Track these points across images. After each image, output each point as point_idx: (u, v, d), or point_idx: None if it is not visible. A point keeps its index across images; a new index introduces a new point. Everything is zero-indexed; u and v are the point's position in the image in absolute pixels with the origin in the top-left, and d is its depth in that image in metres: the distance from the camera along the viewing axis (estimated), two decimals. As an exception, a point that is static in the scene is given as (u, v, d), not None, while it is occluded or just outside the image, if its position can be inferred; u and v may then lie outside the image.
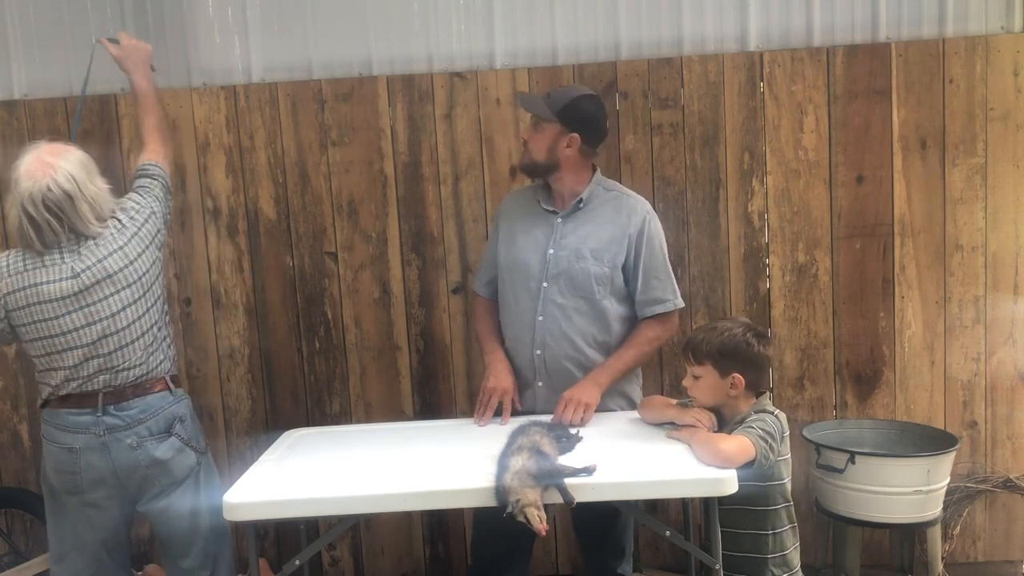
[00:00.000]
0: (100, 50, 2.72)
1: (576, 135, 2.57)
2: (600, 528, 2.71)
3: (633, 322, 2.68)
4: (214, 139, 3.35)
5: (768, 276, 3.34)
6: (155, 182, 2.54)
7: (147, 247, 2.40)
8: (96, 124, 3.33)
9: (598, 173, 2.71)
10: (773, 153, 3.29)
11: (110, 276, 2.31)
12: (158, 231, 2.47)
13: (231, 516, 2.05)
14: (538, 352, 2.61)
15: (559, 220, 2.65)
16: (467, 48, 3.34)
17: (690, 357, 2.33)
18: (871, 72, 3.25)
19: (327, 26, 3.35)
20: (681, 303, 2.70)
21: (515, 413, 2.63)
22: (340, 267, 3.38)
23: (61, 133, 3.30)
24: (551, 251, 2.61)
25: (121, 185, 3.31)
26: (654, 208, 3.24)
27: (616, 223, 2.62)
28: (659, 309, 2.64)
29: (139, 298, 2.36)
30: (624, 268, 2.62)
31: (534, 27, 3.33)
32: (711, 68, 3.27)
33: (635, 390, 2.76)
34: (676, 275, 3.28)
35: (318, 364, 3.42)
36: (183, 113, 3.34)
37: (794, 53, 3.26)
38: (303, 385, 3.43)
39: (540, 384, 2.63)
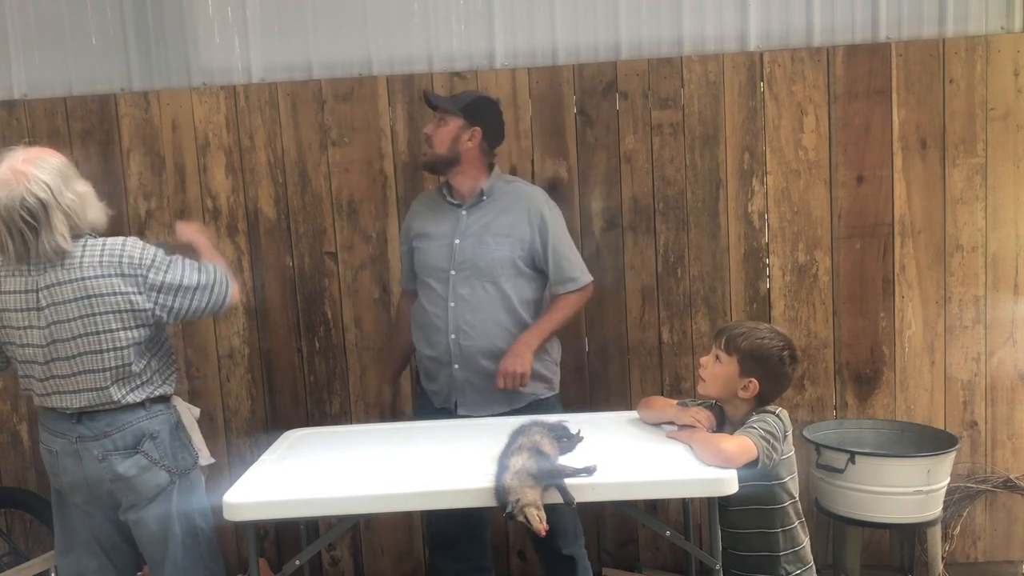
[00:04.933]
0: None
1: (478, 129, 2.74)
2: None
3: (538, 305, 2.81)
4: (214, 139, 3.34)
5: (768, 276, 3.34)
6: (196, 265, 2.34)
7: (120, 292, 2.23)
8: (96, 124, 3.33)
9: (497, 169, 2.85)
10: (773, 153, 3.29)
11: (65, 303, 2.21)
12: (122, 311, 2.23)
13: (231, 516, 2.04)
14: (452, 336, 2.74)
15: (464, 212, 2.79)
16: (467, 48, 3.34)
17: (721, 343, 2.31)
18: (871, 72, 3.25)
19: (327, 26, 3.35)
20: (589, 277, 2.82)
21: (427, 400, 2.86)
22: (340, 267, 3.38)
23: (61, 133, 3.32)
24: (457, 241, 2.75)
25: (121, 185, 3.34)
26: (654, 208, 3.33)
27: (516, 209, 2.77)
28: (571, 287, 2.78)
29: (89, 334, 2.22)
30: (532, 251, 2.75)
31: (534, 27, 3.33)
32: (711, 68, 3.27)
33: (556, 375, 2.88)
34: (676, 275, 3.34)
35: (318, 364, 3.42)
36: (183, 113, 3.34)
37: (794, 53, 3.26)
38: (303, 385, 3.43)
39: (456, 367, 2.75)
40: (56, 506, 2.46)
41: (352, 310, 3.39)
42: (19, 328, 2.25)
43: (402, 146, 3.33)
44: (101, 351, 2.24)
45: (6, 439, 3.49)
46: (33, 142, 2.31)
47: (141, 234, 3.34)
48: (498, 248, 2.72)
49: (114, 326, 2.23)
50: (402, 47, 3.35)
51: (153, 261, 2.27)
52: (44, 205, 2.17)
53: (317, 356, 3.42)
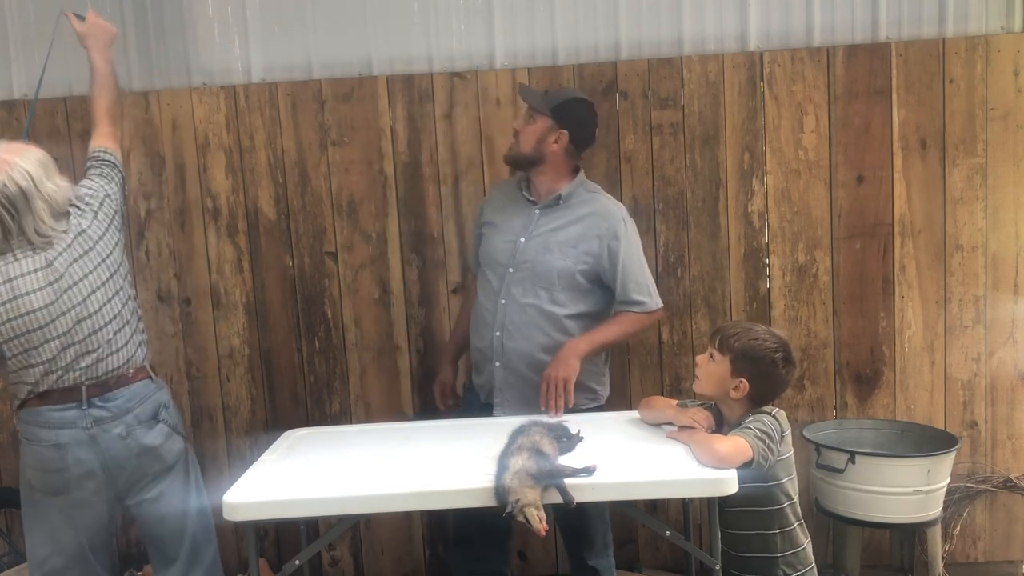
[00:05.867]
0: (64, 25, 2.63)
1: (565, 132, 2.68)
2: (568, 519, 2.74)
3: (586, 321, 2.72)
4: (214, 139, 3.35)
5: (768, 276, 3.34)
6: (107, 167, 2.51)
7: (107, 229, 2.40)
8: (96, 124, 3.33)
9: (581, 174, 2.80)
10: (773, 153, 3.29)
11: (78, 259, 2.32)
12: (115, 213, 2.45)
13: (231, 516, 2.05)
14: (497, 333, 2.72)
15: (537, 212, 2.75)
16: (467, 48, 3.34)
17: (716, 342, 2.32)
18: (871, 72, 3.25)
19: (327, 26, 3.35)
20: (659, 303, 2.75)
21: (474, 395, 2.83)
22: (340, 267, 3.38)
23: (61, 133, 3.32)
24: (522, 239, 2.72)
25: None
26: (654, 208, 3.32)
27: (588, 222, 2.70)
28: (636, 310, 2.71)
29: (107, 280, 2.36)
30: (598, 267, 2.68)
31: (534, 27, 3.33)
32: (711, 68, 3.27)
33: (604, 385, 2.83)
34: (676, 275, 3.33)
35: (318, 364, 3.42)
36: (183, 113, 3.34)
37: (794, 53, 3.26)
38: (303, 385, 3.43)
39: (497, 364, 2.73)
40: (31, 513, 2.43)
41: (352, 310, 3.39)
42: (33, 311, 2.28)
43: (402, 146, 3.33)
44: (116, 294, 2.37)
45: (6, 439, 3.49)
46: (31, 140, 2.37)
47: (141, 235, 3.36)
48: (562, 257, 2.66)
49: (116, 257, 2.40)
50: (402, 47, 3.35)
51: (99, 185, 2.47)
52: (24, 193, 2.26)
53: (317, 356, 3.42)
